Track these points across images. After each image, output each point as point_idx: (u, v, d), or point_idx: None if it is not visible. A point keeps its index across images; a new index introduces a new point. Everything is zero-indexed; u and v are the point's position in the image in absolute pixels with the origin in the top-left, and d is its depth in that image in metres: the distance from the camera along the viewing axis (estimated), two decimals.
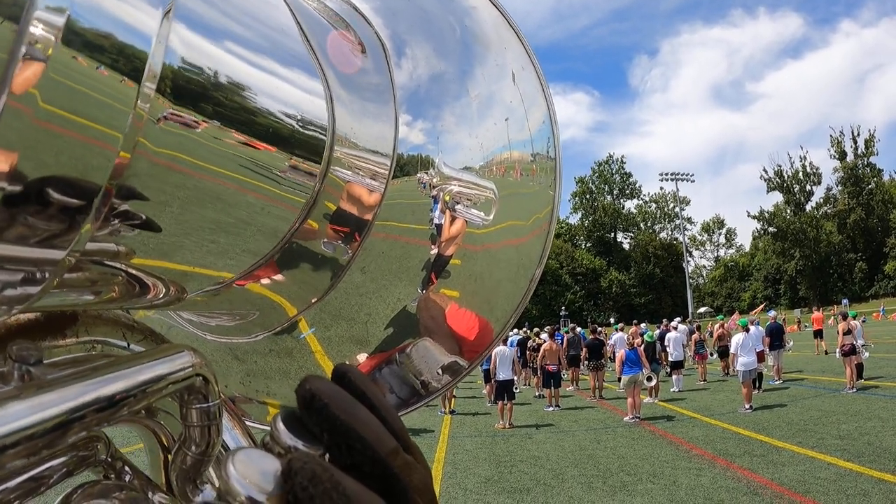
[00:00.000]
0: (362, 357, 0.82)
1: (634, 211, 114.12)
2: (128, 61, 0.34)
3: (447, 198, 0.79)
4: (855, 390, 15.79)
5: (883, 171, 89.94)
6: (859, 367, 16.44)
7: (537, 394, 20.67)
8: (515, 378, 17.69)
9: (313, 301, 0.76)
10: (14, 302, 0.37)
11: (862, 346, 16.56)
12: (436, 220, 0.80)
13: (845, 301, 67.16)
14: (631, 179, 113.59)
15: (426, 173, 0.78)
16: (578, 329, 25.32)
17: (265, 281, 0.70)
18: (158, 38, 0.36)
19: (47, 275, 0.37)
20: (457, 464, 11.19)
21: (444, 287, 0.81)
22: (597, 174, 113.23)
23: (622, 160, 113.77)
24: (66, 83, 0.31)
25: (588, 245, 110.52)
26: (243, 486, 0.32)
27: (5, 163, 0.30)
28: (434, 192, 0.79)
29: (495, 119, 0.81)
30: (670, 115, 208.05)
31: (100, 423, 0.42)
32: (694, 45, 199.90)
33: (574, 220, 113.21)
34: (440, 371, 0.81)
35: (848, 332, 16.28)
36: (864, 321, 22.84)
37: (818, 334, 29.20)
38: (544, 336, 22.61)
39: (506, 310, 0.81)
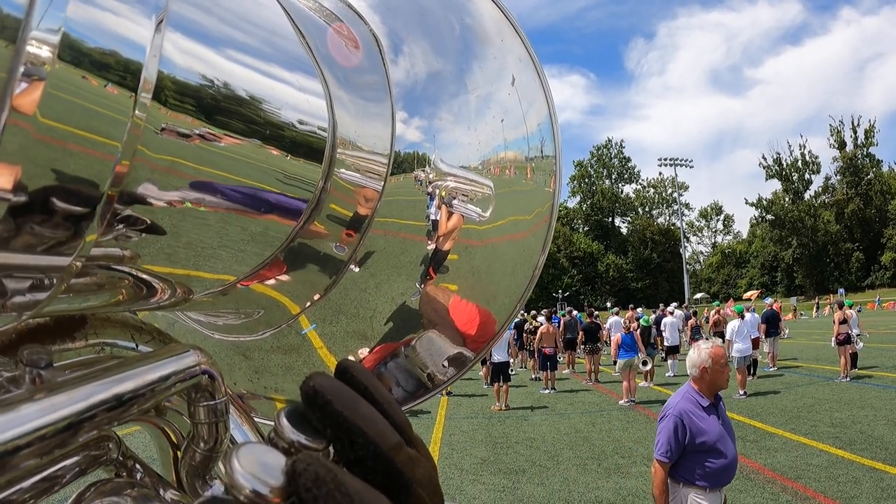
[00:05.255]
0: (365, 351, 0.82)
1: (633, 195, 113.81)
2: (123, 72, 0.35)
3: (443, 193, 0.79)
4: (849, 379, 15.91)
5: (882, 161, 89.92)
6: (853, 357, 16.55)
7: (533, 376, 20.79)
8: (511, 360, 17.78)
9: (316, 298, 0.77)
10: (24, 308, 0.38)
11: (857, 335, 16.65)
12: (432, 216, 0.80)
13: (841, 290, 67.45)
14: (629, 164, 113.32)
15: (423, 170, 0.78)
16: (575, 312, 25.21)
17: (269, 280, 0.70)
18: (152, 47, 0.36)
19: (55, 281, 0.38)
20: (453, 444, 11.29)
21: (442, 282, 0.82)
22: (595, 158, 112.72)
23: (621, 144, 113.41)
24: (64, 97, 0.31)
25: (586, 229, 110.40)
26: (248, 479, 0.32)
27: (9, 176, 0.30)
28: (430, 189, 0.79)
29: (493, 118, 0.81)
30: (667, 99, 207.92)
31: (110, 423, 0.43)
32: (691, 28, 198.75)
33: (572, 203, 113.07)
34: (446, 363, 0.81)
35: (843, 321, 16.35)
36: (859, 311, 22.92)
37: None
38: (541, 319, 22.57)
39: (509, 300, 0.81)
